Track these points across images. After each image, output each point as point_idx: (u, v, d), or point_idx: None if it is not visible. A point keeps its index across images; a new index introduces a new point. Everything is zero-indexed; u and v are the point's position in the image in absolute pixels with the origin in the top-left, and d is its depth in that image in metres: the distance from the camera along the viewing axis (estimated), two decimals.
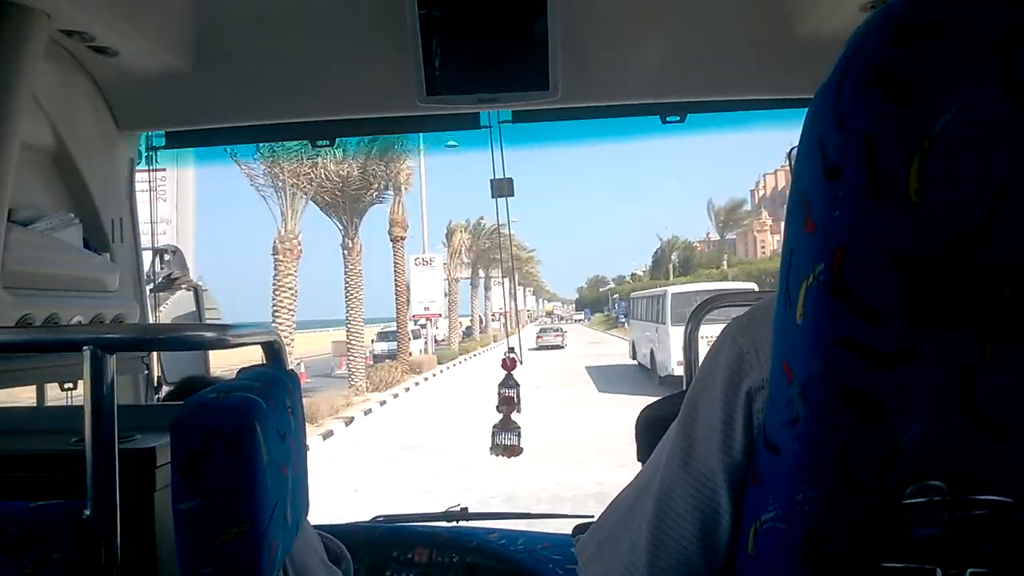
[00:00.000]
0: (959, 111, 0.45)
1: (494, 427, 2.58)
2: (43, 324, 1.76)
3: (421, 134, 2.43)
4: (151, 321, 2.40)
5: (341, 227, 22.84)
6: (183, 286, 2.66)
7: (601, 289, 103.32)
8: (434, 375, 29.09)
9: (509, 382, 2.56)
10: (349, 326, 22.94)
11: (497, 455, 2.57)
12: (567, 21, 1.87)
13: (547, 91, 1.90)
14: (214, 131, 2.25)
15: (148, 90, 2.06)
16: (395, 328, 29.59)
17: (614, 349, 36.58)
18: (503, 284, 47.38)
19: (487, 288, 51.40)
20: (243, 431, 0.81)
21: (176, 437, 0.82)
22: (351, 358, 22.92)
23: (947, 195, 0.46)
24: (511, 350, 2.58)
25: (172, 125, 2.24)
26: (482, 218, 45.86)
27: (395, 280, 27.22)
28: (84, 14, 1.71)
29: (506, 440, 2.56)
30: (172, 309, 2.71)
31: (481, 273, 50.10)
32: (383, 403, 20.52)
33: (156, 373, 2.36)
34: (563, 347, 41.54)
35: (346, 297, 22.87)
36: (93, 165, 2.05)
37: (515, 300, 5.63)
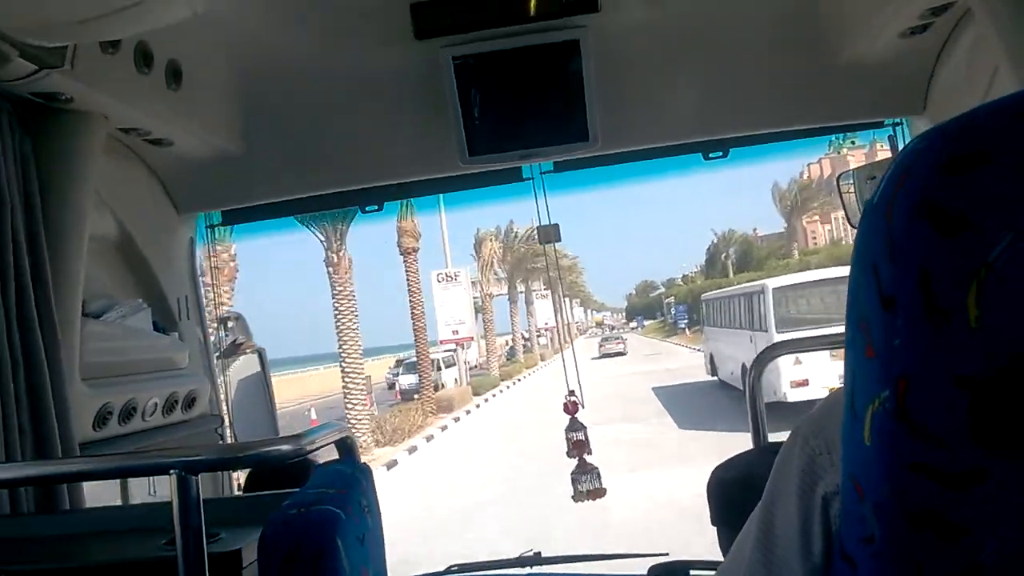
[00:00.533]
0: (1014, 239, 0.45)
1: (572, 473, 2.56)
2: (121, 411, 1.85)
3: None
4: (220, 387, 2.49)
5: (322, 238, 18.67)
6: (248, 351, 2.76)
7: (651, 294, 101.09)
8: (468, 412, 23.54)
9: (575, 426, 2.55)
10: (343, 362, 18.91)
11: (580, 501, 2.55)
12: (603, 71, 1.89)
13: (587, 141, 1.93)
14: (268, 205, 2.34)
15: (203, 173, 2.15)
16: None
17: (680, 361, 31.00)
18: (548, 296, 44.61)
19: (528, 303, 45.47)
20: (325, 549, 0.87)
21: (263, 555, 0.88)
22: (350, 403, 18.63)
23: (1008, 316, 0.46)
24: (571, 393, 2.57)
25: (228, 204, 2.34)
26: (512, 223, 40.24)
27: (410, 300, 22.81)
28: (138, 111, 1.80)
29: (588, 484, 2.54)
30: (238, 373, 2.80)
31: (520, 287, 43.92)
32: (392, 464, 15.68)
33: (230, 440, 2.46)
34: (625, 353, 43.08)
35: (336, 326, 18.74)
36: (156, 249, 2.15)
37: (563, 313, 5.53)
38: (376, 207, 2.32)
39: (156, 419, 1.99)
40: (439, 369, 27.93)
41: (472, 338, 31.65)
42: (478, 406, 25.23)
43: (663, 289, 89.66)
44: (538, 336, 48.52)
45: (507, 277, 41.55)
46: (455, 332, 28.03)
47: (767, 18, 1.95)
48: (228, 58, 1.92)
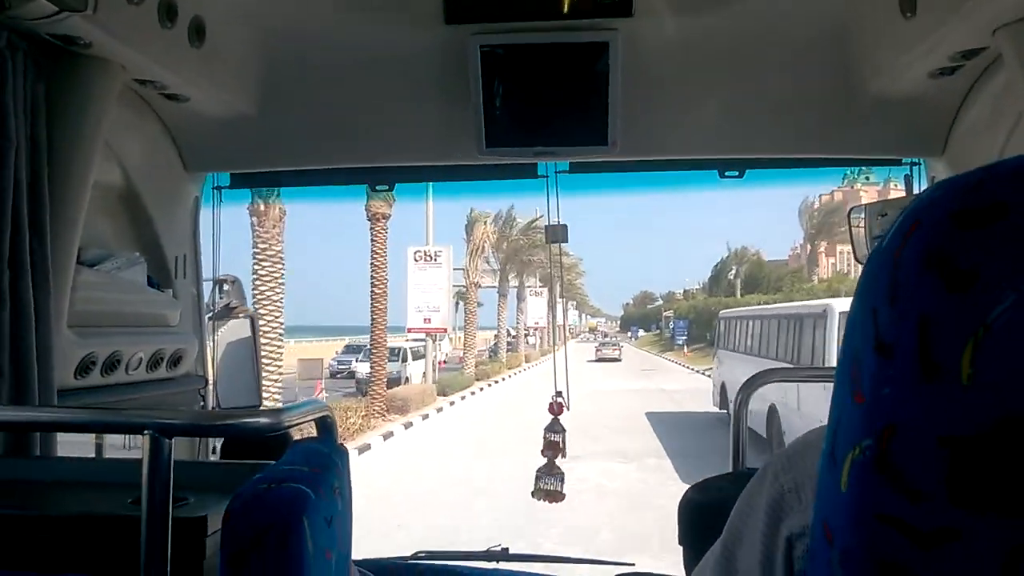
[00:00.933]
0: (1016, 301, 0.45)
1: (538, 471, 2.58)
2: (105, 362, 1.84)
3: None
4: (208, 351, 2.48)
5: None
6: (240, 315, 2.75)
7: (649, 306, 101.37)
8: (426, 417, 19.26)
9: (555, 427, 2.55)
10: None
11: (539, 499, 2.56)
12: (628, 77, 1.88)
13: (605, 146, 1.92)
14: (277, 173, 2.32)
15: (216, 133, 2.13)
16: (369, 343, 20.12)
17: (678, 382, 28.12)
18: (542, 295, 42.19)
19: (520, 298, 40.97)
20: (292, 527, 0.85)
21: (227, 528, 0.86)
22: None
23: (999, 378, 0.46)
24: (559, 394, 2.57)
25: (237, 167, 2.32)
26: (512, 209, 35.28)
27: (372, 276, 18.94)
28: (157, 65, 1.78)
29: (549, 485, 2.55)
30: (227, 335, 2.80)
31: (513, 280, 38.51)
32: None
33: (212, 403, 2.46)
34: (620, 360, 43.71)
35: (252, 293, 14.76)
36: (160, 204, 2.14)
37: (559, 313, 5.50)
38: (386, 187, 2.32)
39: (139, 374, 1.98)
40: (404, 360, 25.45)
41: (445, 329, 26.33)
42: (440, 410, 20.84)
43: (661, 302, 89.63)
44: (526, 335, 45.33)
45: (500, 268, 36.17)
46: (427, 320, 23.09)
47: (797, 43, 1.94)
48: (253, 19, 1.90)
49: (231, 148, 2.21)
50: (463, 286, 31.21)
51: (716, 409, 17.26)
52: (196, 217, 2.32)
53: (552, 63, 1.88)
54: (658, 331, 75.97)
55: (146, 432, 0.90)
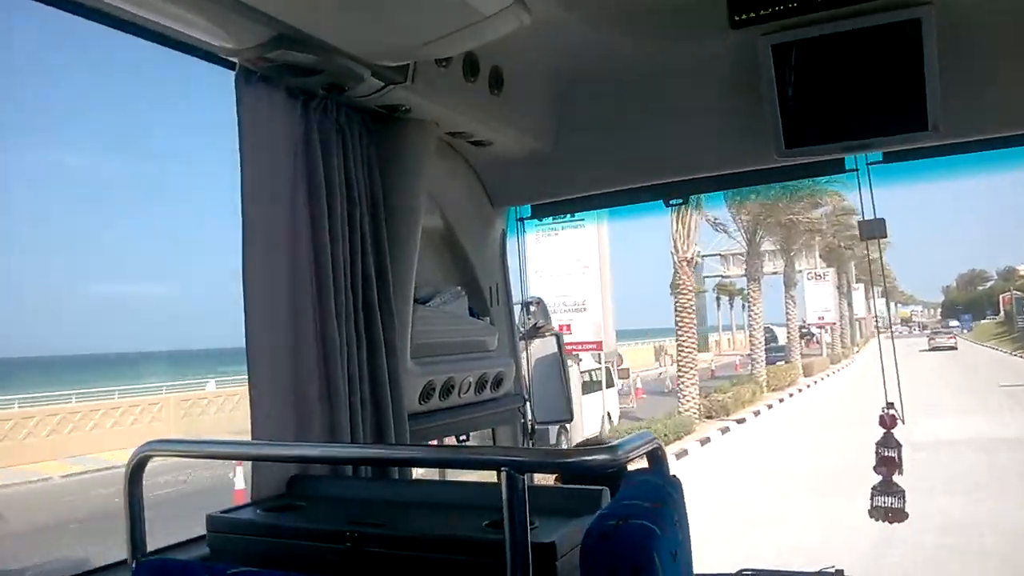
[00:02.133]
0: None
1: (873, 489, 2.35)
2: (441, 387, 2.07)
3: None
4: (524, 368, 2.68)
5: None
6: (546, 333, 2.94)
7: (980, 287, 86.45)
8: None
9: (889, 442, 2.32)
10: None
11: (877, 519, 2.32)
12: (946, 53, 1.70)
13: (926, 131, 1.75)
14: (574, 200, 2.44)
15: (517, 170, 2.29)
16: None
17: None
18: (825, 278, 34.88)
19: (788, 283, 30.82)
20: (644, 566, 0.90)
21: (584, 566, 0.93)
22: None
23: None
24: (890, 405, 2.32)
25: (538, 198, 2.48)
26: None
27: None
28: (465, 117, 1.97)
29: (888, 503, 2.32)
30: (536, 353, 3.00)
31: (772, 262, 30.08)
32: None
33: (529, 418, 2.65)
34: (956, 348, 39.39)
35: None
36: (473, 240, 2.36)
37: (858, 302, 4.80)
38: (681, 200, 2.31)
39: (469, 396, 2.20)
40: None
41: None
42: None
43: (997, 280, 75.50)
44: (804, 335, 35.16)
45: (747, 237, 26.47)
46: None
47: None
48: (544, 61, 2.02)
49: (531, 182, 2.36)
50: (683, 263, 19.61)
51: None
52: (504, 248, 2.52)
53: (853, 51, 1.75)
54: (996, 318, 63.10)
55: (502, 469, 0.99)
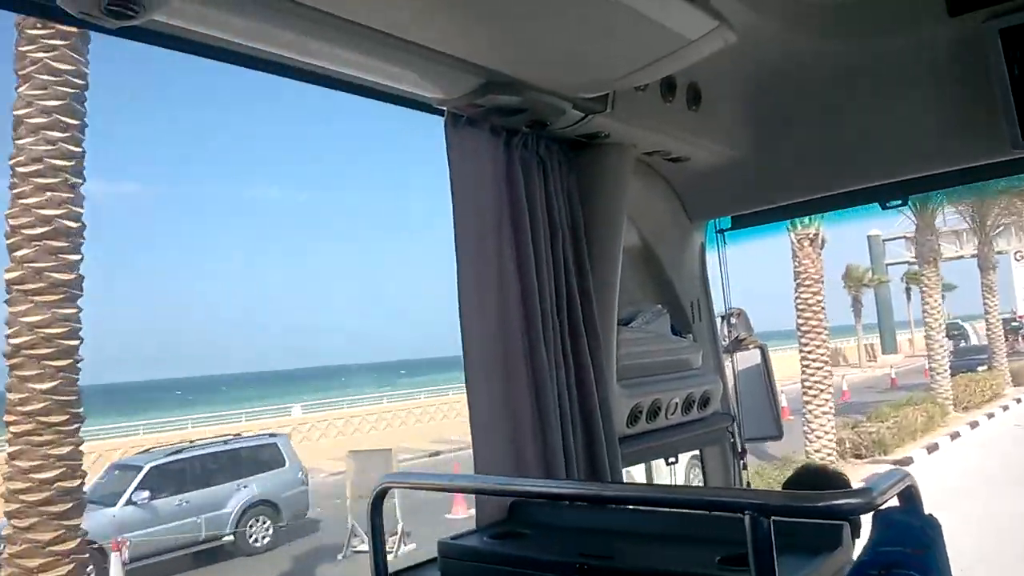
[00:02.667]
0: None
1: None
2: (649, 409, 2.04)
3: None
4: (730, 386, 2.58)
5: None
6: (750, 346, 2.81)
7: None
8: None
9: None
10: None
11: None
12: None
13: None
14: (776, 209, 2.31)
15: (715, 182, 2.23)
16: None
17: None
18: None
19: (984, 267, 25.12)
20: None
21: None
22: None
23: None
24: None
25: (738, 210, 2.40)
26: None
27: None
28: (662, 135, 1.95)
29: None
30: (740, 367, 2.87)
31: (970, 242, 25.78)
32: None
33: (738, 438, 2.54)
34: None
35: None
36: (671, 256, 2.32)
37: None
38: (899, 202, 2.10)
39: (676, 418, 2.16)
40: None
41: None
42: None
43: None
44: (1012, 332, 27.62)
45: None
46: None
47: None
48: (741, 70, 1.94)
49: (730, 193, 2.29)
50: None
51: None
52: (704, 262, 2.45)
53: None
54: None
55: (745, 513, 0.96)
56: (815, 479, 2.42)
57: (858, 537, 1.60)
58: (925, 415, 17.27)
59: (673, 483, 2.44)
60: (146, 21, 1.05)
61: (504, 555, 1.39)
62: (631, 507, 1.53)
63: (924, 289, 21.30)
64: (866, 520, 1.06)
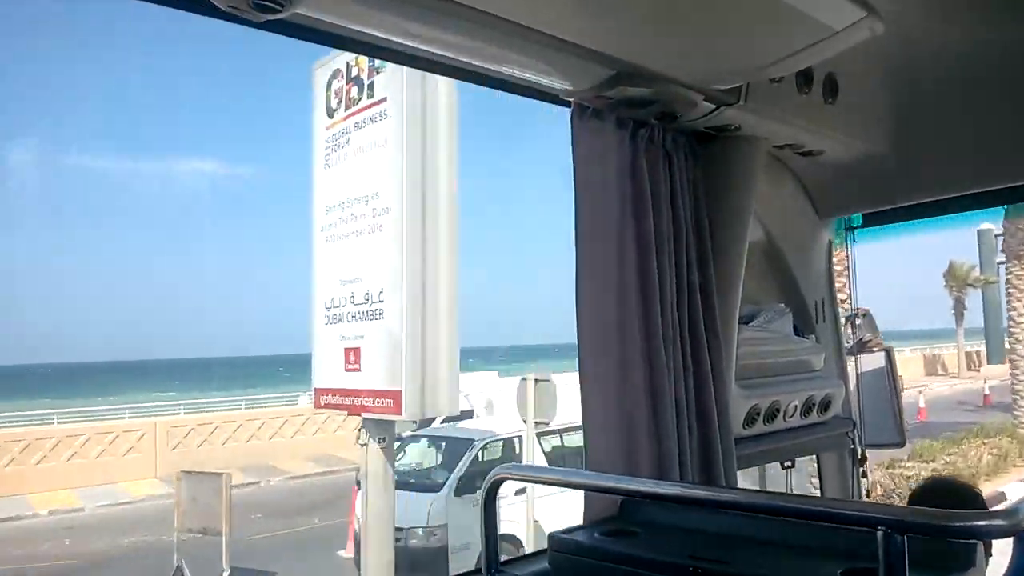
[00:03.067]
0: None
1: None
2: (767, 411, 1.97)
3: None
4: (852, 391, 2.45)
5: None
6: (875, 348, 2.66)
7: None
8: None
9: None
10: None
11: None
12: None
13: None
14: (912, 207, 2.17)
15: (846, 178, 2.11)
16: None
17: None
18: None
19: None
20: None
21: None
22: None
23: None
24: None
25: (870, 207, 2.27)
26: None
27: None
28: (795, 129, 1.85)
29: None
30: (864, 369, 2.73)
31: None
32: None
33: (858, 444, 2.42)
34: None
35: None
36: (796, 254, 2.22)
37: None
38: None
39: (794, 420, 2.07)
40: None
41: None
42: None
43: None
44: None
45: None
46: None
47: None
48: (883, 62, 1.81)
49: (863, 189, 2.17)
50: None
51: None
52: (830, 260, 2.34)
53: None
54: None
55: (879, 529, 0.91)
56: (946, 494, 2.27)
57: (990, 556, 1.49)
58: (995, 453, 13.02)
59: (789, 489, 2.34)
60: (290, 15, 1.08)
61: (615, 552, 1.38)
62: (744, 514, 1.49)
63: (1011, 291, 18.29)
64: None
